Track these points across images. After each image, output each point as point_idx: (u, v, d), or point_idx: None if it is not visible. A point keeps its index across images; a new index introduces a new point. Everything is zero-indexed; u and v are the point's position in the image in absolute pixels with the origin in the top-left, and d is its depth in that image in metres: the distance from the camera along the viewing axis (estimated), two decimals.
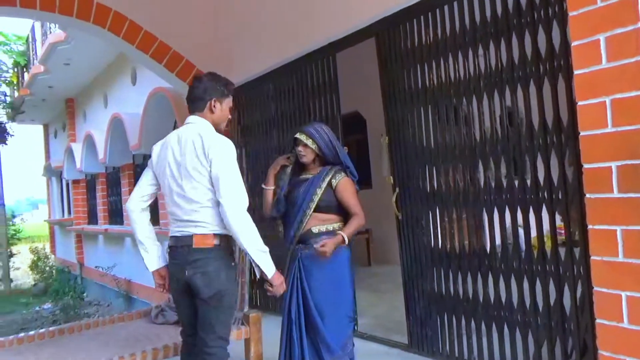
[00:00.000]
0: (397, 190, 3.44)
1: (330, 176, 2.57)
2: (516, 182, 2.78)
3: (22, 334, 3.17)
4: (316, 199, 2.54)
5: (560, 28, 2.47)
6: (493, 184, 2.88)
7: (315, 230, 2.56)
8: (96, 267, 9.76)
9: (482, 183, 2.94)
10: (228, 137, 2.34)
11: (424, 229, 3.28)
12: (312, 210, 2.54)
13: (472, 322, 3.01)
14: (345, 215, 2.62)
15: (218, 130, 2.38)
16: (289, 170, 2.72)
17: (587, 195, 2.04)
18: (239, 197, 2.20)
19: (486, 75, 2.87)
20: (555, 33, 2.51)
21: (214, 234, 2.27)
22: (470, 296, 3.01)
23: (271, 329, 2.70)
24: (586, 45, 2.02)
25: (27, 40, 11.86)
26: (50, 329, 3.25)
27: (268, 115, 4.87)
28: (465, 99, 3.00)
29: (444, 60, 3.08)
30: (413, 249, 3.37)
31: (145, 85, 7.09)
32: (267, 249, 2.26)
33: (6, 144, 13.95)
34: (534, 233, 2.71)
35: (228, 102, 2.41)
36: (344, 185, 2.57)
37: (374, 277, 6.42)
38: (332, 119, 4.01)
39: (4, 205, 12.73)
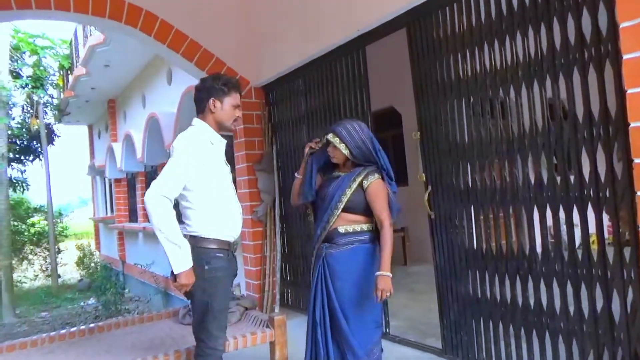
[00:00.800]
0: (430, 188, 3.28)
1: (362, 177, 2.46)
2: (558, 179, 2.58)
3: (54, 333, 3.22)
4: (345, 199, 2.44)
5: (607, 8, 2.25)
6: (533, 181, 2.68)
7: (341, 230, 2.47)
8: (135, 264, 10.00)
9: (520, 180, 2.74)
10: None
11: (458, 229, 3.11)
12: (340, 210, 2.45)
13: (511, 328, 2.82)
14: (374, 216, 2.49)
15: (225, 128, 2.44)
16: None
17: (639, 193, 1.84)
18: (158, 183, 2.19)
19: (525, 64, 2.67)
20: (601, 14, 2.30)
21: (186, 234, 2.30)
22: (509, 300, 2.82)
23: (303, 329, 2.61)
24: (637, 26, 1.82)
25: (70, 43, 12.28)
26: (82, 327, 3.29)
27: (298, 111, 4.78)
28: (502, 91, 2.80)
29: (478, 50, 2.90)
30: (447, 249, 3.20)
31: (181, 85, 7.16)
32: (180, 242, 2.18)
33: (53, 144, 14.59)
34: (578, 233, 2.50)
35: (230, 100, 2.40)
36: (375, 188, 2.44)
37: (410, 277, 6.25)
38: (363, 115, 3.88)
39: (52, 203, 13.24)
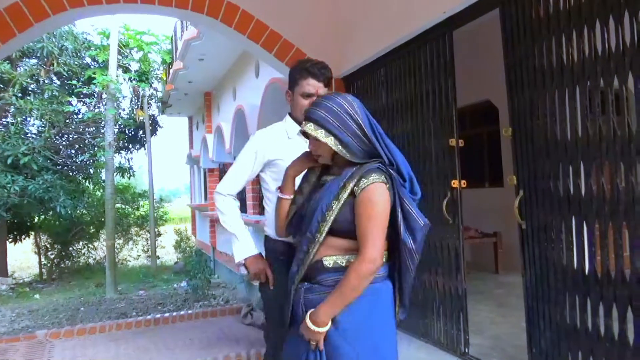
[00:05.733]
0: (521, 193, 2.82)
1: (354, 180, 1.63)
2: None
3: (122, 320, 3.26)
4: (330, 217, 1.64)
5: None
6: None
7: (328, 262, 1.67)
8: (221, 252, 10.31)
9: (638, 189, 2.22)
10: None
11: (555, 243, 2.63)
12: (324, 234, 1.65)
13: None
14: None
15: (300, 121, 2.21)
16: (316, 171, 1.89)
17: None
18: (223, 181, 2.24)
19: None
20: None
21: None
22: (616, 336, 2.31)
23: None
24: None
25: (171, 39, 12.96)
26: (147, 317, 3.31)
27: (378, 104, 4.47)
28: (617, 79, 2.29)
29: (588, 29, 2.39)
30: (539, 266, 2.73)
31: (267, 78, 7.15)
32: (237, 231, 2.17)
33: (156, 135, 15.59)
34: None
35: (298, 89, 2.17)
36: (366, 197, 1.60)
37: (501, 288, 5.68)
38: (447, 108, 3.48)
39: (152, 189, 14.17)
